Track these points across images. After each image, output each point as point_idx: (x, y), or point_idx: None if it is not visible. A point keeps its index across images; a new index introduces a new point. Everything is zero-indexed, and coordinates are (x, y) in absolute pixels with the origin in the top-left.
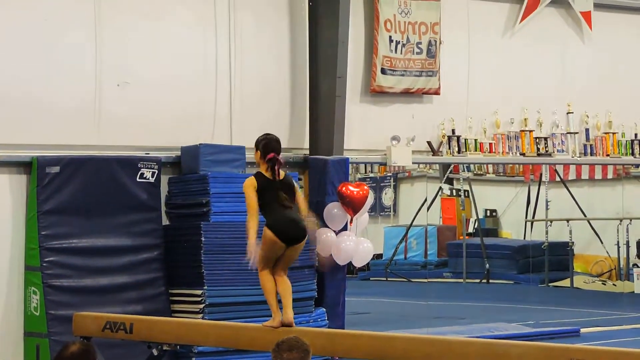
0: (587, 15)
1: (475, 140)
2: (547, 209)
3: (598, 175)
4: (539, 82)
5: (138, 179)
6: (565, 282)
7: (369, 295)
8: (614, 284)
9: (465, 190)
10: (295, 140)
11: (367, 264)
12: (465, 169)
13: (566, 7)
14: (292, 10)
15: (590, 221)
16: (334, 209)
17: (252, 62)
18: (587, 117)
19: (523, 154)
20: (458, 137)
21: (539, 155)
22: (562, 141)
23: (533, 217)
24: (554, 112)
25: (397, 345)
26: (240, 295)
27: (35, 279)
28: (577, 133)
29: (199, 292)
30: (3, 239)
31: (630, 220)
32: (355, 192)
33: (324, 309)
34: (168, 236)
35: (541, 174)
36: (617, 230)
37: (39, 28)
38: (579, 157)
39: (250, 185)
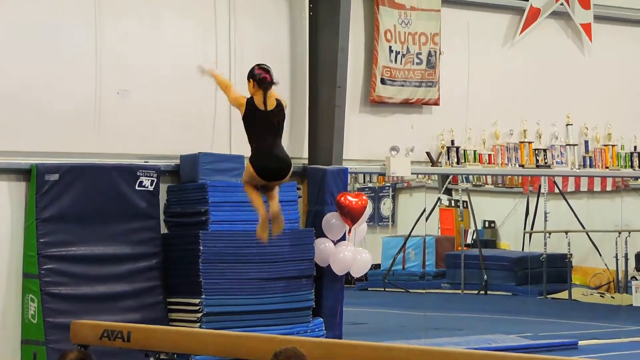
0: (587, 27)
1: (475, 151)
2: (545, 220)
3: (597, 187)
4: (539, 93)
5: (137, 187)
6: (564, 294)
7: (367, 306)
8: (612, 297)
9: (464, 201)
10: (295, 149)
11: (365, 274)
12: (464, 180)
13: (566, 18)
14: (292, 20)
15: (589, 233)
16: (332, 219)
17: None
18: (587, 129)
19: (522, 166)
20: (457, 148)
21: (538, 166)
22: (561, 153)
23: (532, 228)
24: (553, 124)
25: (394, 356)
26: (238, 305)
27: (33, 286)
28: (576, 145)
29: (196, 301)
30: (1, 246)
31: (629, 233)
32: (354, 202)
33: (322, 319)
34: (166, 245)
35: (540, 186)
36: (616, 242)
37: (39, 36)
38: (578, 169)
39: (242, 96)
